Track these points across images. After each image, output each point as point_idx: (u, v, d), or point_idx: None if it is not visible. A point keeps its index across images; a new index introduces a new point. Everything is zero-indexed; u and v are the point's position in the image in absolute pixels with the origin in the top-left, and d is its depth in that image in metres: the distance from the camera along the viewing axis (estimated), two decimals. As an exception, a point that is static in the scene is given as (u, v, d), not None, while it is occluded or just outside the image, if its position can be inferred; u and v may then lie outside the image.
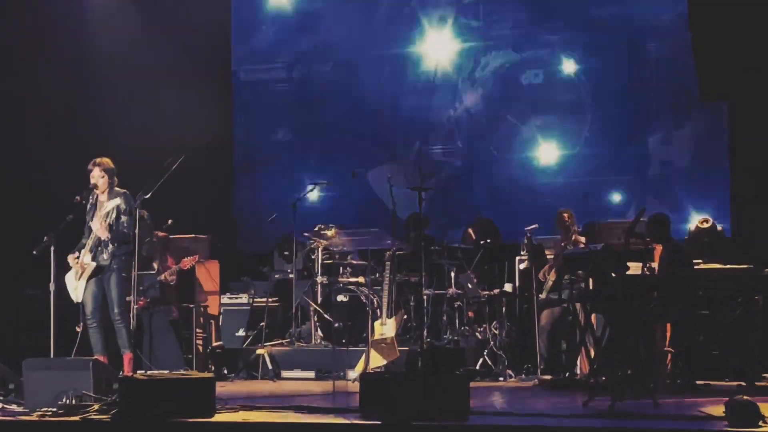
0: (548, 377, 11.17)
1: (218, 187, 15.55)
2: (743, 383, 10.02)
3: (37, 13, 14.12)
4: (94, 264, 10.50)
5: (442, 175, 14.85)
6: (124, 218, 10.45)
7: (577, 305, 10.83)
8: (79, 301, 10.60)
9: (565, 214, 11.80)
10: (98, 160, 10.67)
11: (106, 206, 10.55)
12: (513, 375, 11.81)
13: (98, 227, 10.47)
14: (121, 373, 9.96)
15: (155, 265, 12.48)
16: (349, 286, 12.48)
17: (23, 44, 13.96)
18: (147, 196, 10.30)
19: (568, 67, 14.51)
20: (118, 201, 10.51)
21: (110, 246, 10.47)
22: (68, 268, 10.68)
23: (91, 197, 10.66)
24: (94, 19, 14.70)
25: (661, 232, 10.52)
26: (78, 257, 10.59)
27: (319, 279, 12.80)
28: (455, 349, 12.04)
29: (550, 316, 11.67)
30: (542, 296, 11.71)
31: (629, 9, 14.25)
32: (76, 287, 10.57)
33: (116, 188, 10.64)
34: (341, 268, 12.64)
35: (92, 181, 10.61)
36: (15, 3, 14.03)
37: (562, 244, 11.70)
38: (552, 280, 11.60)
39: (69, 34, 14.43)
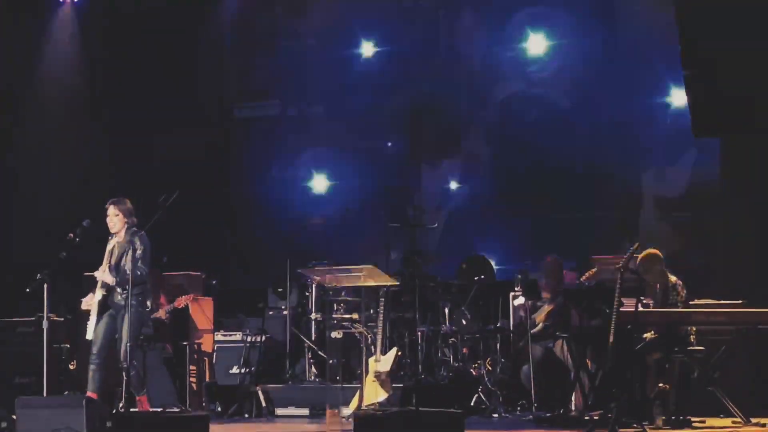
0: (543, 413, 11.13)
1: (212, 223, 15.53)
2: (738, 419, 10.00)
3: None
4: (97, 299, 10.40)
5: (442, 211, 14.90)
6: (140, 262, 10.29)
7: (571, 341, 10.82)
8: (91, 338, 10.49)
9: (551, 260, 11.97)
10: (114, 199, 10.55)
11: (120, 246, 10.44)
12: (508, 411, 11.76)
13: (102, 273, 10.37)
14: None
15: (148, 303, 12.45)
16: (344, 323, 12.45)
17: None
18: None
19: (562, 102, 14.54)
20: (136, 242, 10.33)
21: (120, 288, 10.33)
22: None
23: (109, 239, 10.55)
24: (91, 57, 14.80)
25: (653, 269, 10.51)
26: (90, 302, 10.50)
27: (313, 316, 12.78)
28: (450, 386, 12.01)
29: (536, 353, 11.66)
30: (532, 331, 11.68)
31: (623, 43, 14.28)
32: (89, 324, 10.48)
33: (134, 229, 10.50)
34: (335, 305, 12.61)
35: (107, 220, 10.51)
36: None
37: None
38: (541, 320, 11.61)
39: (65, 68, 14.52)
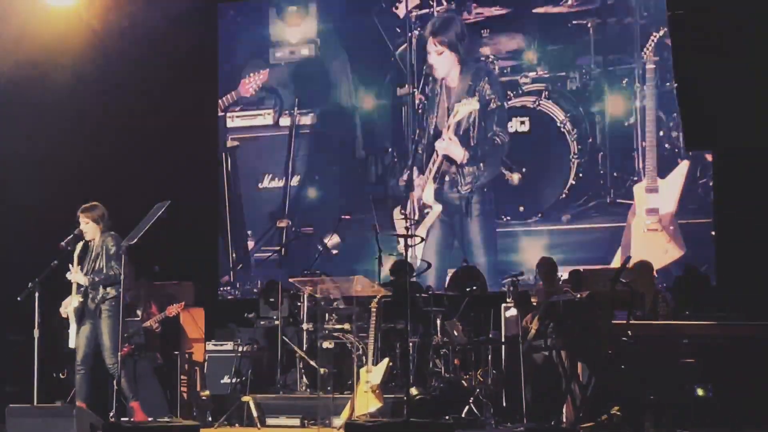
0: (534, 425, 11.12)
1: (203, 232, 15.51)
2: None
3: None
4: (74, 306, 10.38)
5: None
6: (113, 261, 10.32)
7: (562, 352, 10.81)
8: (74, 346, 10.48)
9: (548, 262, 12.00)
10: (85, 206, 10.58)
11: (95, 249, 10.46)
12: (499, 423, 11.75)
13: (75, 274, 10.36)
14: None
15: (139, 312, 12.44)
16: (335, 333, 12.43)
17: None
18: (132, 243, 10.26)
19: (554, 114, 14.55)
20: (108, 243, 10.37)
21: (100, 289, 10.34)
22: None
23: (89, 243, 10.55)
24: (84, 66, 14.78)
25: (644, 280, 10.52)
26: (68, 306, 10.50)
27: (304, 326, 12.75)
28: (441, 397, 11.99)
29: (532, 363, 11.64)
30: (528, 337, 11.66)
31: (614, 57, 14.31)
32: (69, 332, 10.47)
33: (107, 232, 10.52)
34: (327, 315, 12.59)
35: (82, 227, 10.52)
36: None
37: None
38: (535, 328, 11.58)
39: (63, 78, 14.51)
